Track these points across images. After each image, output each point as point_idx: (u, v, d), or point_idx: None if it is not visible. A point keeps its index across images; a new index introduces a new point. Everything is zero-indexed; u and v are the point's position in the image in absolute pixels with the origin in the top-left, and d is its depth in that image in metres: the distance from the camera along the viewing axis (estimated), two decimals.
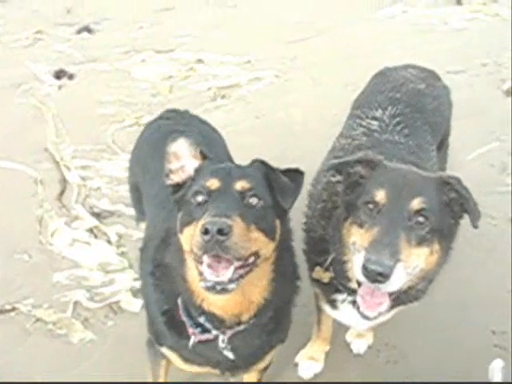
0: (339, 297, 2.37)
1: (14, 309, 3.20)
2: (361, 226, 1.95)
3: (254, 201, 1.86)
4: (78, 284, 3.35)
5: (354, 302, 2.21)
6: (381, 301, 1.95)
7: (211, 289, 1.76)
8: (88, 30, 6.37)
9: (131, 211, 3.27)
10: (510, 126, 4.70)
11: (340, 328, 3.04)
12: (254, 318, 2.01)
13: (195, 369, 2.21)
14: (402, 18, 6.56)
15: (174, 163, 2.05)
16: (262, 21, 6.54)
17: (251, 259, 1.82)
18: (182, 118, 3.06)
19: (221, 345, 2.04)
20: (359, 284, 1.98)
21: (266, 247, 1.88)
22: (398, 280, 1.81)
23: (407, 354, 3.01)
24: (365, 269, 1.80)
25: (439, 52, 5.72)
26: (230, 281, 1.76)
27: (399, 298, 2.09)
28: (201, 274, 1.80)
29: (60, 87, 5.32)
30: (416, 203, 1.89)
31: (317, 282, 2.42)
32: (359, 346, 3.04)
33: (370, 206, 1.95)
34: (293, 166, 2.23)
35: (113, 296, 3.27)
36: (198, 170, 2.01)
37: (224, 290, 1.77)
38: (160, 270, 2.13)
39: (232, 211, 1.75)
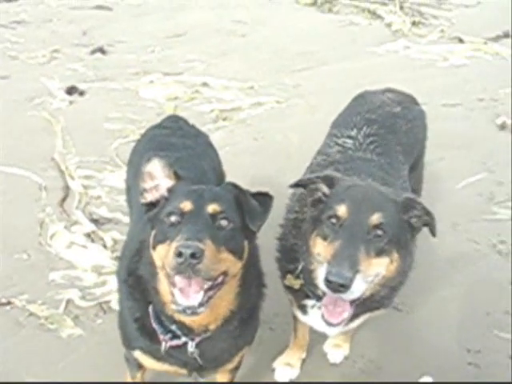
0: (309, 302, 2.50)
1: (9, 303, 3.36)
2: (324, 238, 2.09)
3: (224, 223, 1.95)
4: (71, 283, 3.51)
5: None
6: (343, 309, 2.10)
7: (182, 312, 1.91)
8: (101, 51, 6.61)
9: (128, 219, 3.40)
10: (500, 158, 4.84)
11: (318, 337, 3.16)
12: (221, 327, 2.13)
13: (165, 368, 2.30)
14: (403, 53, 6.73)
15: (149, 182, 2.13)
16: (267, 50, 6.75)
17: (220, 278, 1.94)
18: (179, 128, 3.18)
19: (190, 350, 2.15)
20: (323, 294, 2.13)
21: (235, 266, 2.00)
22: (358, 289, 1.96)
23: (382, 366, 3.11)
24: (327, 281, 1.94)
25: (437, 86, 5.90)
26: (200, 304, 1.89)
27: (364, 306, 2.24)
28: (172, 294, 1.92)
29: (71, 102, 5.54)
30: (375, 218, 2.04)
31: (289, 288, 2.55)
32: (336, 355, 3.15)
33: (333, 220, 2.09)
34: (287, 183, 2.41)
35: (104, 296, 3.42)
36: (171, 190, 2.10)
37: (194, 314, 1.91)
38: (133, 279, 2.23)
39: (204, 234, 1.85)
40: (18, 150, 4.75)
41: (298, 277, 2.45)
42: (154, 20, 7.58)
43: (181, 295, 1.89)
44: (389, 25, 7.51)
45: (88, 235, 3.86)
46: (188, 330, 2.10)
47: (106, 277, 3.53)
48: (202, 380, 2.38)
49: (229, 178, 3.16)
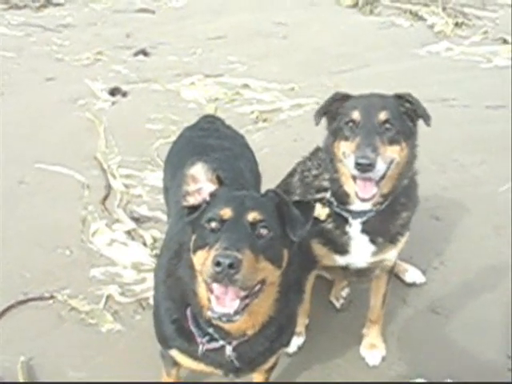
0: (351, 226, 2.70)
1: (52, 297, 3.44)
2: (346, 139, 2.51)
3: (264, 232, 1.95)
4: (112, 280, 3.58)
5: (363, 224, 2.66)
6: (372, 187, 2.46)
7: (217, 319, 1.91)
8: (144, 53, 6.73)
9: None
10: None
11: (354, 340, 3.18)
12: (259, 331, 2.13)
13: (201, 367, 2.31)
14: (446, 55, 6.64)
15: (192, 186, 2.14)
16: (308, 52, 6.77)
17: (257, 287, 1.95)
18: (216, 130, 3.20)
19: (227, 353, 2.15)
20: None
21: (273, 275, 2.00)
22: (381, 168, 2.40)
23: (419, 369, 3.05)
24: (357, 164, 2.38)
25: (480, 88, 5.80)
26: (236, 312, 1.89)
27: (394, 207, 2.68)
28: (209, 300, 1.94)
29: (113, 103, 5.66)
30: (382, 116, 2.48)
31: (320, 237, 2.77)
32: (373, 357, 3.12)
33: (350, 124, 2.51)
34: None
35: (143, 293, 3.47)
36: (213, 195, 2.10)
37: (230, 321, 1.91)
38: (172, 280, 2.25)
39: (242, 243, 1.85)
40: (62, 149, 4.88)
41: (325, 205, 2.72)
42: (196, 22, 7.68)
43: (217, 302, 1.90)
44: (431, 26, 7.44)
45: (128, 233, 3.94)
46: (225, 334, 2.11)
47: (146, 274, 3.59)
48: (237, 380, 2.39)
49: (267, 179, 3.18)
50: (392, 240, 2.77)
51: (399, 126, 2.50)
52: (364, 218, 2.64)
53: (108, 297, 3.45)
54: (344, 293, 3.41)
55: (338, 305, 3.39)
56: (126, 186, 4.42)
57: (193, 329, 2.15)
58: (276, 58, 6.65)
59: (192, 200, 2.13)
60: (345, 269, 2.86)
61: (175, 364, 2.57)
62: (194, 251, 2.00)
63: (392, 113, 2.50)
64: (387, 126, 2.47)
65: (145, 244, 3.83)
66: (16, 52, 6.88)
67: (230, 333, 2.10)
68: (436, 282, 3.58)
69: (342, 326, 3.30)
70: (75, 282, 3.55)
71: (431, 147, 4.45)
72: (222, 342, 2.13)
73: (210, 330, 2.11)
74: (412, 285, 3.55)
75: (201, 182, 2.14)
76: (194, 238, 2.04)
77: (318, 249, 2.80)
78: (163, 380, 2.80)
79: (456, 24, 7.40)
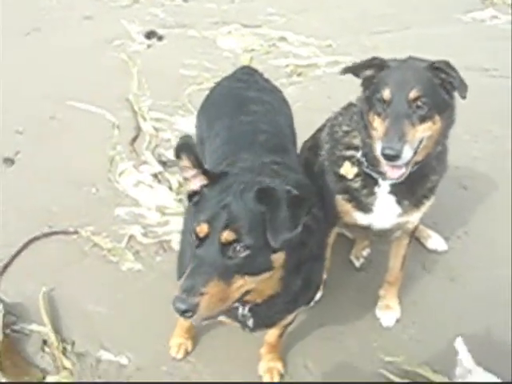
0: (380, 186, 2.69)
1: (76, 232, 3.50)
2: (378, 115, 2.48)
3: (240, 250, 1.84)
4: (135, 220, 3.63)
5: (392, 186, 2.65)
6: (400, 168, 2.48)
7: (180, 313, 1.81)
8: None
9: None
10: None
11: (369, 301, 3.19)
12: (270, 299, 2.11)
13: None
14: (490, 23, 6.44)
15: (188, 172, 2.03)
16: (349, 9, 6.61)
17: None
18: (255, 82, 3.12)
19: (241, 313, 2.17)
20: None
21: (260, 282, 1.94)
22: (407, 156, 2.39)
23: (431, 335, 3.05)
24: (383, 154, 2.39)
25: None
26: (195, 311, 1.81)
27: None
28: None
29: (148, 46, 5.62)
30: (412, 94, 2.41)
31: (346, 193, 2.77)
32: (388, 319, 3.14)
33: (381, 101, 2.46)
34: None
35: (165, 235, 3.52)
36: (202, 193, 2.01)
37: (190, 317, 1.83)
38: None
39: (205, 277, 1.79)
40: (94, 88, 4.88)
41: (354, 164, 2.72)
42: None
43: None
44: None
45: (155, 176, 3.96)
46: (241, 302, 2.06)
47: (169, 217, 3.63)
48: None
49: (298, 134, 3.14)
50: (417, 203, 2.75)
51: (432, 101, 2.44)
52: (394, 180, 2.61)
53: (130, 236, 3.50)
54: (365, 252, 3.41)
55: (357, 264, 3.40)
56: (156, 130, 4.42)
57: None
58: (316, 12, 6.51)
59: (192, 186, 2.05)
60: (366, 228, 2.85)
61: None
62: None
63: (425, 88, 2.43)
64: (419, 103, 2.42)
65: (170, 188, 3.85)
66: None
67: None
68: (457, 251, 3.56)
69: (359, 286, 3.31)
70: (99, 220, 3.60)
71: (466, 116, 4.35)
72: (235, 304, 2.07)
73: None
74: (433, 251, 3.53)
75: (192, 168, 2.02)
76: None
77: (342, 205, 2.78)
78: (178, 321, 2.85)
79: None
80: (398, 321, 3.14)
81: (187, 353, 2.89)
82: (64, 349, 2.87)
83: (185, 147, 1.98)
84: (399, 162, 2.41)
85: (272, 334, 2.71)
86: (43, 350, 2.86)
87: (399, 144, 2.35)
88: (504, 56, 5.53)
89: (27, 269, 3.28)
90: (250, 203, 1.89)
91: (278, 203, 1.87)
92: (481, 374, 2.29)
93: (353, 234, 3.29)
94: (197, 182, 2.02)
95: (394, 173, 2.49)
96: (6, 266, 3.26)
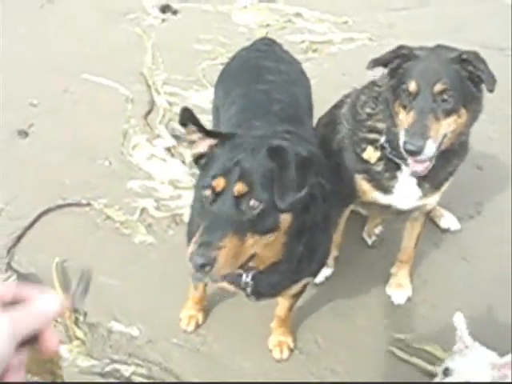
0: (401, 171, 2.68)
1: (88, 204, 3.52)
2: (404, 107, 2.44)
3: (253, 205, 1.85)
4: (148, 194, 3.63)
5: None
6: (424, 162, 2.46)
7: (197, 268, 1.79)
8: None
9: None
10: None
11: (380, 279, 3.19)
12: (271, 266, 2.11)
13: (225, 285, 2.31)
14: (509, 2, 6.26)
15: (193, 135, 2.03)
16: None
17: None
18: (273, 52, 3.09)
19: (244, 280, 2.17)
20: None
21: (266, 245, 1.95)
22: (430, 151, 2.36)
23: (442, 314, 3.04)
24: (405, 149, 2.37)
25: None
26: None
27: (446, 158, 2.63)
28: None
29: (163, 20, 5.57)
30: (438, 87, 2.36)
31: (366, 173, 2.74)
32: (399, 296, 3.15)
33: (407, 93, 2.42)
34: None
35: (177, 209, 3.52)
36: (212, 153, 2.00)
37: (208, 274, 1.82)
38: None
39: (221, 232, 1.79)
40: (108, 61, 4.86)
41: (377, 148, 2.69)
42: None
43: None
44: None
45: (168, 149, 3.95)
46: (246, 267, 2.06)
47: (182, 191, 3.63)
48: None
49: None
50: (437, 186, 2.74)
51: (458, 94, 2.38)
52: (419, 174, 2.59)
53: (143, 209, 3.52)
54: (377, 230, 3.41)
55: (369, 241, 3.39)
56: (170, 104, 4.39)
57: None
58: None
59: (200, 148, 2.04)
60: (385, 207, 2.84)
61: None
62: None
63: (451, 81, 2.37)
64: (444, 96, 2.36)
65: (183, 162, 3.84)
66: None
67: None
68: (470, 231, 3.54)
69: (371, 263, 3.32)
70: (112, 193, 3.61)
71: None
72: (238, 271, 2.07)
73: None
74: (446, 231, 3.52)
75: (198, 132, 2.03)
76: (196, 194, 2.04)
77: (362, 184, 2.76)
78: (189, 294, 2.88)
79: None
80: (408, 299, 3.15)
81: (198, 325, 2.93)
82: (76, 319, 2.91)
83: (189, 114, 1.98)
84: (422, 157, 2.40)
85: (281, 308, 2.73)
86: (56, 320, 2.89)
87: (422, 140, 2.33)
88: None
89: (40, 240, 3.31)
90: (262, 159, 1.91)
91: (287, 162, 1.89)
92: (478, 349, 2.30)
93: (368, 212, 3.27)
94: (205, 144, 2.02)
95: (417, 166, 2.47)
96: (19, 238, 3.29)
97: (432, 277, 3.28)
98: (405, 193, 2.72)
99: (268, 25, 5.54)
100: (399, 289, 3.16)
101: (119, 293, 3.06)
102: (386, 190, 2.73)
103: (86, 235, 3.35)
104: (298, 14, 5.75)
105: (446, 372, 2.28)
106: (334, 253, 3.18)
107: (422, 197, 2.73)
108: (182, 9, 5.77)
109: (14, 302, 0.89)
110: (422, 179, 2.66)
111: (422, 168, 2.48)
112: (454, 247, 3.44)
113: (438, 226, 3.52)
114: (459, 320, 2.42)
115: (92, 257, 3.19)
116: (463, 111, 2.41)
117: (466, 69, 2.40)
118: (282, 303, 2.71)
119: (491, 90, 2.42)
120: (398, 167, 2.67)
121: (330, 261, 3.16)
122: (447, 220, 3.53)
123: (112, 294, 3.04)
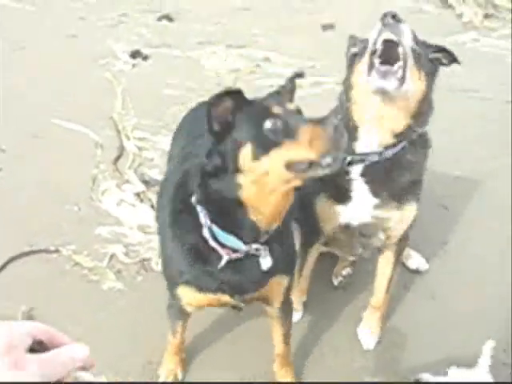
0: (353, 173, 2.54)
1: (57, 251, 3.49)
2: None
3: None
4: (117, 239, 3.62)
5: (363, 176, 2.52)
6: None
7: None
8: (169, 18, 6.66)
9: None
10: None
11: (351, 322, 3.20)
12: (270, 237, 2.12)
13: (208, 299, 2.27)
14: (471, 46, 6.51)
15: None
16: (331, 31, 6.68)
17: None
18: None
19: (255, 248, 2.10)
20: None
21: (287, 195, 2.05)
22: (407, 40, 2.27)
23: (413, 355, 3.08)
24: (382, 18, 2.26)
25: (503, 82, 5.68)
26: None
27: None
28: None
29: (134, 66, 5.64)
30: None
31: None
32: (369, 341, 3.14)
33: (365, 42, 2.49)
34: None
35: (147, 254, 3.50)
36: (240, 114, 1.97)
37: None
38: (186, 210, 2.16)
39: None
40: (78, 106, 4.89)
41: None
42: None
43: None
44: (459, 16, 7.26)
45: (137, 195, 3.96)
46: (256, 233, 2.07)
47: (151, 236, 3.61)
48: (242, 305, 2.37)
49: None
50: (395, 197, 2.58)
51: (420, 53, 2.37)
52: (366, 163, 2.49)
53: (112, 256, 3.50)
54: (345, 272, 3.42)
55: (335, 282, 3.40)
56: (139, 149, 4.43)
57: (214, 245, 2.10)
58: (300, 33, 6.57)
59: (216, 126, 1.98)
60: (347, 229, 2.75)
61: (182, 315, 2.59)
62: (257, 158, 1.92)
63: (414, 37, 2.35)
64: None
65: (152, 207, 3.82)
66: (39, 7, 6.85)
67: (258, 230, 2.06)
68: (437, 271, 3.59)
69: (340, 306, 3.32)
70: (81, 239, 3.59)
71: (448, 136, 4.43)
72: (244, 248, 2.08)
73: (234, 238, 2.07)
74: (415, 271, 3.56)
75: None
76: (246, 149, 1.94)
77: (322, 205, 2.69)
78: (169, 342, 2.82)
79: (486, 15, 7.21)
80: (379, 342, 3.15)
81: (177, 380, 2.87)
82: None
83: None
84: (400, 51, 2.25)
85: (277, 341, 2.73)
86: None
87: (397, 27, 2.23)
88: (484, 78, 5.62)
89: (7, 288, 3.26)
90: None
91: None
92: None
93: (333, 248, 3.27)
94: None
95: (386, 82, 2.28)
96: None
97: (402, 318, 3.29)
98: (361, 198, 2.57)
99: (237, 70, 5.64)
100: (370, 334, 3.15)
101: (87, 341, 2.95)
102: (344, 198, 2.61)
103: (53, 282, 3.31)
104: (267, 59, 5.87)
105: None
106: (302, 298, 3.20)
107: (381, 207, 2.59)
108: (152, 54, 5.86)
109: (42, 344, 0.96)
110: (374, 182, 2.54)
111: (390, 83, 2.28)
112: (422, 287, 3.47)
113: (406, 266, 3.55)
114: (488, 348, 2.41)
115: (59, 304, 3.16)
116: (423, 74, 2.36)
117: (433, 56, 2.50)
118: (276, 337, 2.72)
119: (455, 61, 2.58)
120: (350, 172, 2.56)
121: (299, 306, 3.17)
122: (415, 260, 3.57)
123: (80, 342, 2.98)
